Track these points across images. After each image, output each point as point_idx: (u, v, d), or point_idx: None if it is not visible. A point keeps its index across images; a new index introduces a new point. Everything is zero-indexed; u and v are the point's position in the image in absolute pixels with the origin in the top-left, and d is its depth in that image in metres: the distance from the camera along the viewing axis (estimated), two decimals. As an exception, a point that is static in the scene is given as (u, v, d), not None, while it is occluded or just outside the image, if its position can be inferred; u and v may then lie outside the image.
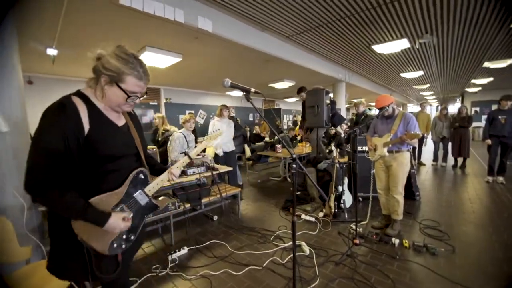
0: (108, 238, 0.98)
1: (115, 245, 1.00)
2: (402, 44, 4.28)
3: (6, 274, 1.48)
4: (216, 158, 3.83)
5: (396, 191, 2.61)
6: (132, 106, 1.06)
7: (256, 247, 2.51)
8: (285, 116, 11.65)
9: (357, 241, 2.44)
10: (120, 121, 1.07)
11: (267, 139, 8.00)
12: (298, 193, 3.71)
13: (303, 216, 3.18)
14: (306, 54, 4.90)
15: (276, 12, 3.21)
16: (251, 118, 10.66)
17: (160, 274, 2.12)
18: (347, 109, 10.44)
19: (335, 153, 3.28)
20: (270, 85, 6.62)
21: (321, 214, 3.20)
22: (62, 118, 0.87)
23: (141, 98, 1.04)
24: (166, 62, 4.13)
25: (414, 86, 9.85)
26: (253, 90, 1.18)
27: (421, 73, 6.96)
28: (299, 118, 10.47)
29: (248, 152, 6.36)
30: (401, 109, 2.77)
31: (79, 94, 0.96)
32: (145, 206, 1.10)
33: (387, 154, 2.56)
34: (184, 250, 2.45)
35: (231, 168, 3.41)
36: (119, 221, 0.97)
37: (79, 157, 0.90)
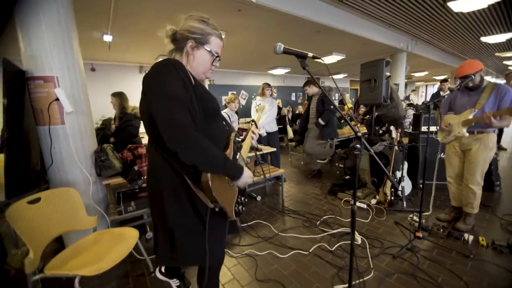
0: (232, 201, 0.97)
1: (238, 208, 1.00)
2: (491, -4, 3.36)
3: (78, 239, 1.68)
4: (259, 138, 3.75)
5: (472, 181, 2.16)
6: (212, 72, 1.06)
7: (301, 231, 2.42)
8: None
9: (420, 234, 2.14)
10: None
11: (310, 119, 7.61)
12: (347, 177, 3.43)
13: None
14: (361, 20, 4.27)
15: (328, -30, 2.78)
16: (293, 98, 10.24)
17: (207, 248, 2.20)
18: (406, 85, 9.04)
19: (394, 134, 2.86)
20: (316, 60, 6.10)
21: (373, 201, 2.91)
22: (176, 69, 0.87)
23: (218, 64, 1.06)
24: (209, 41, 4.07)
25: (496, 54, 8.00)
26: (310, 54, 1.00)
27: (510, 35, 5.53)
28: (346, 96, 9.63)
29: (290, 133, 6.15)
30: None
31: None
32: None
33: (466, 134, 2.10)
34: (229, 228, 2.50)
35: (274, 149, 3.29)
36: (249, 171, 0.97)
37: (198, 109, 0.89)
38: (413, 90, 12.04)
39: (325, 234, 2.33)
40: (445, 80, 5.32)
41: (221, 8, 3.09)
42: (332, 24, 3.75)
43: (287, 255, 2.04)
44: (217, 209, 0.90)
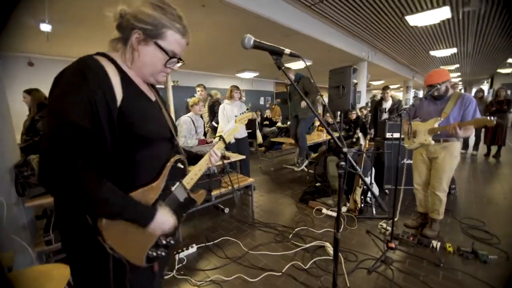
0: (145, 246, 0.76)
1: (153, 254, 0.78)
2: (442, 13, 3.65)
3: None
4: (227, 145, 3.50)
5: (439, 188, 2.20)
6: (167, 75, 0.84)
7: (273, 247, 2.22)
8: (297, 100, 11.09)
9: (392, 245, 2.08)
10: (152, 96, 0.85)
11: (279, 124, 7.59)
12: (318, 184, 3.36)
13: (324, 210, 2.85)
14: (328, 27, 4.34)
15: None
16: (262, 102, 10.20)
17: (165, 277, 1.87)
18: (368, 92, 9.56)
19: (362, 140, 2.86)
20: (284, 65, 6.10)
21: (344, 209, 2.86)
22: (88, 82, 0.63)
23: (179, 65, 0.84)
24: (171, 38, 3.71)
25: (441, 67, 8.99)
26: (287, 51, 0.80)
27: (453, 50, 6.22)
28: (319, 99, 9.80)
29: (260, 138, 6.01)
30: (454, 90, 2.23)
31: (102, 54, 0.73)
32: (183, 203, 0.88)
33: (432, 142, 2.13)
34: (193, 249, 2.19)
35: (244, 157, 3.07)
36: (168, 216, 0.77)
37: (110, 137, 0.67)
38: (371, 98, 12.97)
39: (298, 249, 2.17)
40: (386, 88, 4.80)
41: (183, 2, 2.79)
42: (301, 29, 3.71)
43: (258, 279, 1.81)
44: (116, 256, 0.70)
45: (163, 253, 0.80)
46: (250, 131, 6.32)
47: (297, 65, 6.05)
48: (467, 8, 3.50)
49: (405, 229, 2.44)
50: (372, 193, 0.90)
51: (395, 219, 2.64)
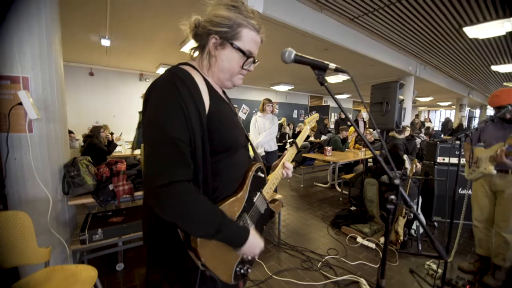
0: (233, 262, 0.73)
1: (240, 271, 0.74)
2: (509, 25, 3.19)
3: (21, 277, 1.33)
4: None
5: (506, 229, 1.83)
6: (243, 78, 0.81)
7: (299, 275, 2.04)
8: (333, 114, 10.71)
9: (443, 292, 1.76)
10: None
11: (312, 138, 7.35)
12: (353, 208, 3.08)
13: (359, 239, 2.57)
14: (371, 40, 4.12)
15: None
16: (295, 115, 10.06)
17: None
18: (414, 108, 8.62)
19: (408, 163, 2.56)
20: (340, 75, 5.92)
21: (383, 240, 2.54)
22: (181, 94, 0.62)
23: (255, 65, 0.80)
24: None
25: (504, 84, 7.89)
26: (332, 66, 0.71)
27: (522, 65, 5.39)
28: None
29: (291, 152, 5.85)
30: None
31: (186, 64, 0.73)
32: (264, 214, 0.83)
33: (494, 172, 1.79)
34: (215, 264, 2.13)
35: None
36: (258, 239, 0.73)
37: (202, 146, 0.65)
38: (416, 115, 11.88)
39: (327, 281, 1.95)
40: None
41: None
42: (341, 42, 3.57)
43: (281, 310, 1.66)
44: (207, 273, 0.67)
45: (248, 270, 0.77)
46: (281, 144, 6.22)
47: (333, 79, 5.86)
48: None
49: (459, 274, 2.06)
50: (426, 232, 0.73)
51: (449, 260, 2.26)
